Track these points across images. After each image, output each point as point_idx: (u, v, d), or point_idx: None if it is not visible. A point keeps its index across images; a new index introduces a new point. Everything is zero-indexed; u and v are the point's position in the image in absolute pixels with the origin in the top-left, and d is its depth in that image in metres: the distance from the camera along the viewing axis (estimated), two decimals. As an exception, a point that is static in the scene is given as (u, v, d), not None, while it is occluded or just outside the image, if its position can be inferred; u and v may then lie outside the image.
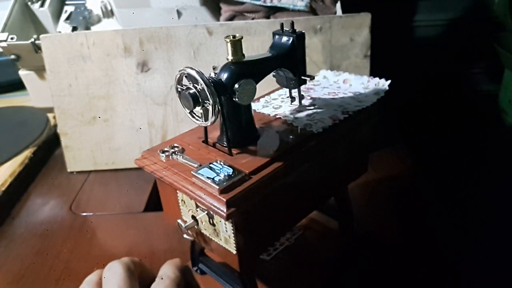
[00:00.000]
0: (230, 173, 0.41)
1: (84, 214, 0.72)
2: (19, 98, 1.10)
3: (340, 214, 0.61)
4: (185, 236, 0.47)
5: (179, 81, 0.44)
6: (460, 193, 1.04)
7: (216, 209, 0.39)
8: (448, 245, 0.61)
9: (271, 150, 0.45)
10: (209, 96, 0.41)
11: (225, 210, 0.38)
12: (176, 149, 0.46)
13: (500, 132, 1.11)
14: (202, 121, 0.44)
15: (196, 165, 0.43)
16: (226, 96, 0.43)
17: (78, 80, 0.79)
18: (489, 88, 1.20)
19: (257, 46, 0.77)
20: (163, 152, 0.46)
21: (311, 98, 0.55)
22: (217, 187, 0.39)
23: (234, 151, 0.45)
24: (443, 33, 1.17)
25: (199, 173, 0.41)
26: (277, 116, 0.51)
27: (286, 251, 0.58)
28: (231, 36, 0.43)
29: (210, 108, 0.41)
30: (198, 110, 0.44)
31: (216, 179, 0.40)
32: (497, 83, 1.13)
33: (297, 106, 0.53)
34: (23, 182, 0.80)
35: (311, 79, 0.50)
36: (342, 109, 0.51)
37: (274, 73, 0.52)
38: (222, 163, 0.42)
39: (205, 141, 0.48)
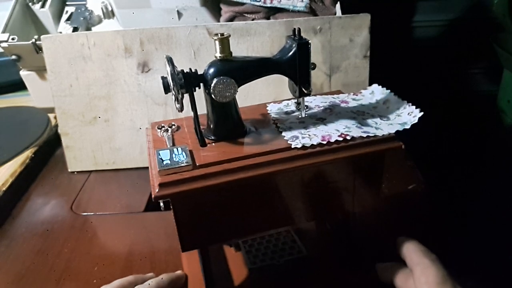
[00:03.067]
0: (180, 160, 0.44)
1: (85, 214, 0.72)
2: (20, 99, 1.10)
3: (340, 242, 0.58)
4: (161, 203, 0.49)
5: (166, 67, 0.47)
6: (459, 193, 1.04)
7: (153, 188, 0.42)
8: (446, 245, 0.61)
9: (241, 150, 0.46)
10: (172, 87, 0.44)
11: (156, 191, 0.42)
12: (172, 127, 0.50)
13: (499, 132, 1.12)
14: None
15: (169, 145, 0.47)
16: (207, 91, 0.46)
17: (78, 81, 0.79)
18: (488, 88, 1.20)
19: (257, 47, 0.78)
20: (160, 127, 0.51)
21: (332, 111, 0.52)
22: (158, 169, 0.43)
23: (209, 141, 0.48)
24: (443, 33, 1.17)
25: (158, 153, 0.45)
26: (276, 121, 0.51)
27: (271, 268, 0.56)
28: (219, 34, 0.45)
29: (174, 97, 0.45)
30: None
31: (165, 162, 0.44)
32: (496, 84, 1.13)
33: (303, 116, 0.51)
34: (24, 182, 0.80)
35: (307, 92, 0.48)
36: (345, 130, 0.47)
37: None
38: (182, 150, 0.45)
39: (195, 128, 0.50)
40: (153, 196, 0.42)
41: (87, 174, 0.83)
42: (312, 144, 0.46)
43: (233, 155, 0.45)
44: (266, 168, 0.44)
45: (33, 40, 0.85)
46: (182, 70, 0.46)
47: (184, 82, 0.45)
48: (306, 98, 0.56)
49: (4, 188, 0.75)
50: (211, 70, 0.45)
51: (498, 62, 1.07)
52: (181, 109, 0.45)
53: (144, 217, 0.71)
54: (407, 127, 0.48)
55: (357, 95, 0.57)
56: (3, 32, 0.89)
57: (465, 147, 1.20)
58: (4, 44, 0.87)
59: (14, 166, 0.81)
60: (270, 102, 0.57)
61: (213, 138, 0.48)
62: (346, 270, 0.56)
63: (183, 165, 0.43)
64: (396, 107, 0.52)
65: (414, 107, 0.50)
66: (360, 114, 0.52)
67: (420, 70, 1.19)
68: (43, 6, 0.97)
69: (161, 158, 0.44)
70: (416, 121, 0.48)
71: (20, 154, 0.84)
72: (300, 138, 0.47)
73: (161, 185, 0.42)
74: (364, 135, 0.47)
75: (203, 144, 0.47)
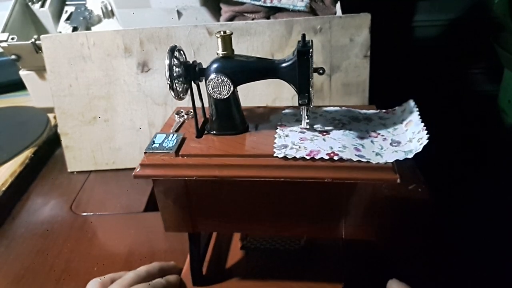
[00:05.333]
0: (167, 146, 0.46)
1: (85, 214, 0.72)
2: (20, 98, 1.10)
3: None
4: None
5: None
6: (459, 193, 1.04)
7: (137, 167, 0.46)
8: (446, 245, 0.61)
9: (226, 148, 0.47)
10: (167, 76, 0.45)
11: (137, 170, 0.45)
12: (189, 114, 0.52)
13: (499, 132, 1.12)
14: None
15: (172, 130, 0.50)
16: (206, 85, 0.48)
17: (78, 80, 0.79)
18: (488, 88, 1.20)
19: (257, 46, 0.78)
20: (178, 113, 0.54)
21: (344, 126, 0.49)
22: (145, 150, 0.46)
23: (208, 134, 0.49)
24: (443, 33, 1.17)
25: (155, 135, 0.48)
26: (279, 126, 0.50)
27: (260, 250, 0.57)
28: (222, 32, 0.46)
29: (169, 85, 0.46)
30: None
31: (154, 145, 0.47)
32: (497, 83, 1.13)
33: (303, 127, 0.49)
34: (23, 182, 0.80)
35: (301, 103, 0.46)
36: (339, 150, 0.44)
37: None
38: (176, 137, 0.48)
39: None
40: (133, 174, 0.45)
41: (86, 174, 0.83)
42: (294, 157, 0.43)
43: (215, 151, 0.46)
44: (241, 170, 0.44)
45: (33, 39, 0.85)
46: (185, 62, 0.47)
47: (184, 74, 0.47)
48: (327, 108, 0.54)
49: (4, 188, 0.75)
50: (211, 66, 0.47)
51: (499, 62, 1.07)
52: (177, 97, 0.48)
53: (144, 217, 0.71)
54: (410, 156, 0.42)
55: (387, 113, 0.53)
56: (3, 32, 0.89)
57: (465, 147, 1.19)
58: (4, 44, 0.87)
59: (13, 166, 0.81)
60: (290, 106, 0.56)
61: (210, 130, 0.50)
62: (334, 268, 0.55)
63: (166, 151, 0.46)
64: (412, 131, 0.46)
65: (425, 132, 0.44)
66: (372, 136, 0.48)
67: (420, 70, 1.19)
68: (42, 5, 0.97)
69: (153, 141, 0.47)
70: (420, 149, 0.42)
71: (20, 154, 0.84)
72: (288, 148, 0.45)
73: (142, 165, 0.45)
74: (355, 158, 0.42)
75: (198, 135, 0.49)
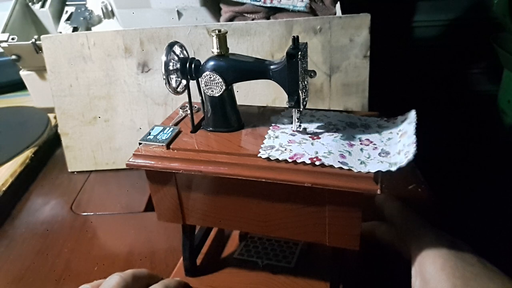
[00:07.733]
0: (160, 139, 0.48)
1: (85, 214, 0.72)
2: (20, 99, 1.10)
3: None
4: None
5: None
6: (459, 193, 1.04)
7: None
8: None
9: (215, 144, 0.47)
10: (163, 71, 0.47)
11: (130, 159, 0.47)
12: (193, 109, 0.52)
13: (499, 132, 1.12)
14: None
15: (171, 124, 0.52)
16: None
17: (78, 81, 0.79)
18: (488, 88, 1.20)
19: (257, 47, 0.78)
20: (183, 107, 0.55)
21: (338, 131, 0.48)
22: (139, 140, 0.48)
23: (204, 129, 0.50)
24: (443, 33, 1.18)
25: (153, 127, 0.50)
26: (272, 127, 0.50)
27: (249, 264, 0.56)
28: (217, 30, 0.47)
29: (165, 81, 0.48)
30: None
31: (149, 136, 0.49)
32: (497, 84, 1.13)
33: (295, 130, 0.48)
34: (24, 182, 0.80)
35: (289, 106, 0.46)
36: (323, 155, 0.43)
37: None
38: (172, 130, 0.49)
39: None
40: (126, 162, 0.47)
41: (87, 174, 0.83)
42: (277, 159, 0.43)
43: (203, 147, 0.47)
44: (225, 168, 0.44)
45: (33, 40, 0.85)
46: (183, 58, 0.48)
47: (180, 69, 0.48)
48: (327, 112, 0.53)
49: (4, 188, 0.75)
50: (205, 64, 0.48)
51: (498, 62, 1.07)
52: (173, 92, 0.49)
53: (144, 217, 0.71)
54: (393, 169, 0.41)
55: (388, 121, 0.51)
56: (3, 32, 0.89)
57: (465, 147, 1.20)
58: (4, 44, 0.87)
59: (14, 166, 0.81)
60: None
61: (206, 127, 0.51)
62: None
63: (159, 143, 0.47)
64: (403, 143, 0.44)
65: (414, 146, 0.42)
66: (364, 143, 0.46)
67: (420, 70, 1.19)
68: (43, 6, 0.97)
69: (150, 132, 0.49)
70: (404, 164, 0.40)
71: (20, 154, 0.84)
72: (274, 149, 0.44)
73: (135, 155, 0.47)
74: (337, 165, 0.41)
75: (193, 130, 0.50)
